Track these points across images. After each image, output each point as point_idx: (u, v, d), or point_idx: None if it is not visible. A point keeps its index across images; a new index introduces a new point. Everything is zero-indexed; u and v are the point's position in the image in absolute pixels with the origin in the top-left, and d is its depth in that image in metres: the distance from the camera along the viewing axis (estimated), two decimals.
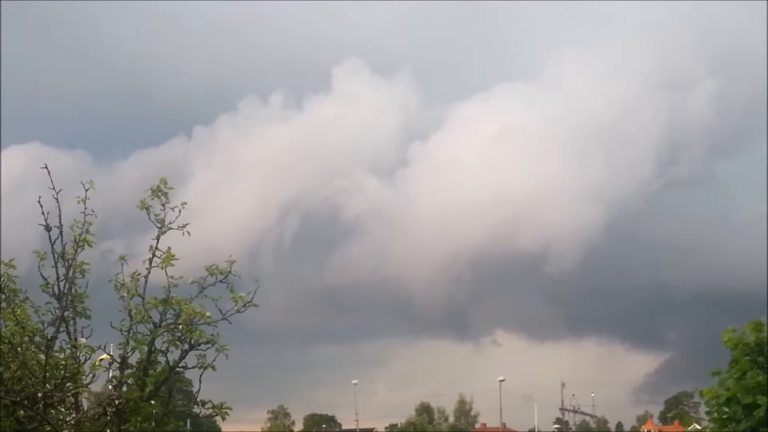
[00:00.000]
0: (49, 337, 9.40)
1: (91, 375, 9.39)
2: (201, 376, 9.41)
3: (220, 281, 9.58)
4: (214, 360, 9.39)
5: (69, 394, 9.32)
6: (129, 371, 9.41)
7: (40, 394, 9.21)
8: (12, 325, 9.21)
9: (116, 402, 9.33)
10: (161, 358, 9.48)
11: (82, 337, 9.58)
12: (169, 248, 9.66)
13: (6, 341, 9.17)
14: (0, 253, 9.80)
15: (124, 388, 9.41)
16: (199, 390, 9.54)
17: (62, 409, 9.45)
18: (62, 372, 9.18)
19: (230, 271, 9.61)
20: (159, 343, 9.44)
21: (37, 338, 9.38)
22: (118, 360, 9.44)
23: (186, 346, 9.39)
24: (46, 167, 9.68)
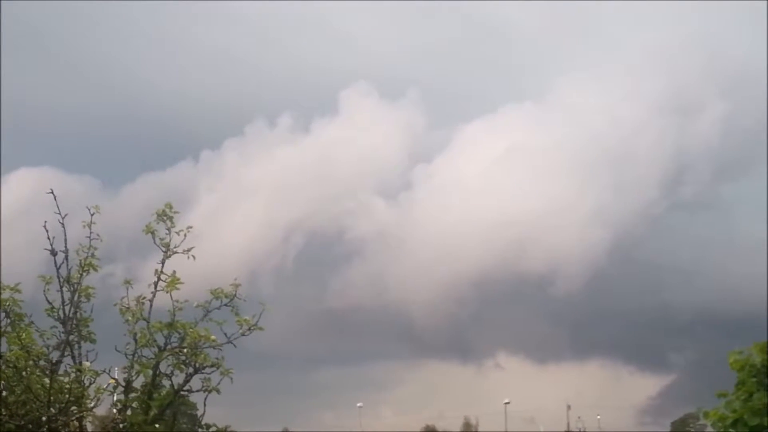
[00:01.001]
0: (53, 361, 9.39)
1: (95, 399, 9.37)
2: (206, 399, 9.41)
3: (225, 305, 9.59)
4: (219, 383, 9.39)
5: (73, 418, 9.30)
6: (133, 395, 9.41)
7: (44, 418, 9.19)
8: (17, 349, 9.19)
9: (120, 426, 9.32)
10: (166, 382, 9.49)
11: (87, 360, 9.57)
12: (174, 272, 9.68)
13: (11, 365, 9.16)
14: (0, 276, 9.80)
15: (129, 412, 9.40)
16: (203, 413, 9.54)
17: None
18: (67, 396, 9.16)
19: (235, 295, 9.62)
20: (164, 367, 9.46)
21: (41, 362, 9.36)
22: (123, 383, 9.44)
23: (191, 370, 9.39)
24: (52, 192, 9.72)
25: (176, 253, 9.83)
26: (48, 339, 9.53)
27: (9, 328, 9.51)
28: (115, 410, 9.54)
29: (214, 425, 9.52)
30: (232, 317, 9.67)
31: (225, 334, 9.54)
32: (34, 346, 9.35)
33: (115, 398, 9.52)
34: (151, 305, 9.65)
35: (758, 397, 13.42)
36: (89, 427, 9.61)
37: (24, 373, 9.21)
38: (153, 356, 9.43)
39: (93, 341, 9.69)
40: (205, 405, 9.45)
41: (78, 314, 9.65)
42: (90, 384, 9.36)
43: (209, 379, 9.37)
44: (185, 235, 9.84)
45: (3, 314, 9.63)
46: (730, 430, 13.60)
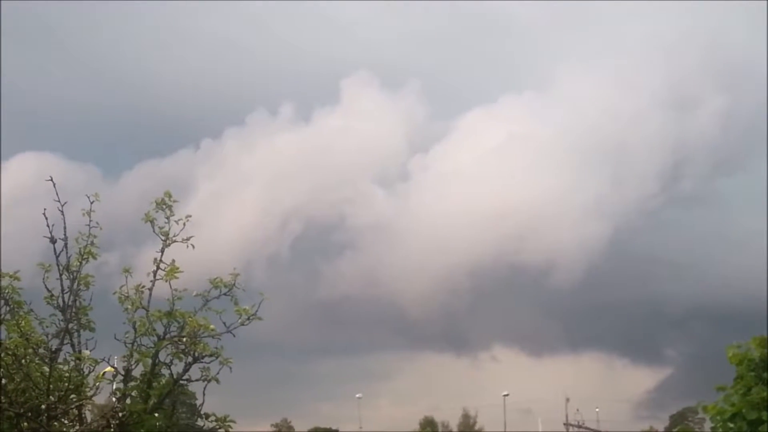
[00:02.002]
0: (53, 349, 9.40)
1: (95, 387, 9.38)
2: (205, 388, 9.40)
3: (225, 294, 9.59)
4: (218, 373, 9.39)
5: (73, 406, 9.31)
6: (133, 384, 9.41)
7: (43, 406, 9.20)
8: (16, 337, 9.20)
9: (120, 414, 9.32)
10: (165, 371, 9.48)
11: (87, 349, 9.57)
12: (173, 261, 9.67)
13: (10, 353, 9.16)
14: (0, 264, 9.80)
15: (128, 401, 9.40)
16: (202, 403, 9.54)
17: (66, 422, 9.43)
18: (66, 384, 9.17)
19: (234, 284, 9.62)
20: (163, 356, 9.45)
21: (41, 350, 9.37)
22: (122, 372, 9.44)
23: (190, 359, 9.39)
24: (51, 179, 9.71)
25: (175, 242, 9.82)
26: (47, 327, 9.54)
27: (8, 316, 9.51)
28: (114, 399, 9.54)
29: (213, 414, 9.52)
30: (230, 306, 9.66)
31: (224, 323, 9.53)
32: (33, 334, 9.36)
33: (114, 387, 9.53)
34: (150, 294, 9.64)
35: (757, 391, 13.44)
36: (88, 415, 9.61)
37: (23, 360, 9.21)
38: (152, 345, 9.42)
39: (92, 330, 9.70)
40: (204, 394, 9.45)
41: (77, 302, 9.66)
42: (89, 372, 9.37)
43: (208, 369, 9.37)
44: (184, 224, 9.83)
45: (2, 302, 9.63)
46: (729, 423, 13.62)
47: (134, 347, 9.45)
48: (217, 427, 9.55)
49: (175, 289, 9.51)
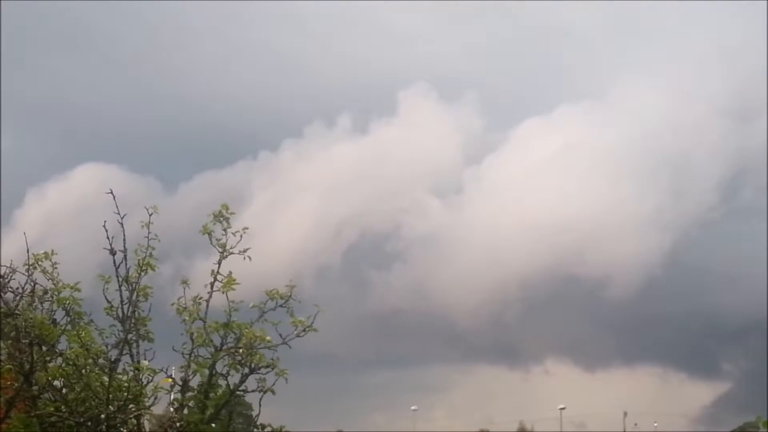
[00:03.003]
0: (112, 360, 9.52)
1: (153, 397, 9.49)
2: (261, 399, 9.47)
3: (281, 306, 9.65)
4: (274, 384, 9.45)
5: (131, 416, 9.42)
6: (190, 394, 9.50)
7: (103, 416, 9.32)
8: (77, 347, 9.34)
9: (177, 424, 9.41)
10: (222, 382, 9.57)
11: (145, 359, 9.69)
12: (230, 273, 9.76)
13: (71, 363, 9.31)
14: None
15: (186, 411, 9.50)
16: (258, 413, 9.60)
17: (124, 431, 9.55)
18: (125, 394, 9.28)
19: (290, 296, 9.68)
20: (220, 367, 9.55)
21: (100, 360, 9.50)
22: (180, 383, 9.54)
23: (246, 370, 9.47)
24: (111, 192, 9.86)
25: (232, 254, 9.92)
26: (107, 337, 9.67)
27: (69, 327, 9.66)
28: (172, 409, 9.65)
29: (269, 425, 9.58)
30: (286, 317, 9.73)
31: (280, 335, 9.60)
32: (93, 345, 9.49)
33: (171, 397, 9.63)
34: (207, 305, 9.74)
35: None
36: (147, 425, 9.73)
37: (83, 370, 9.35)
38: (209, 356, 9.51)
39: (151, 340, 9.81)
40: (260, 405, 9.52)
41: (136, 313, 9.79)
42: (148, 383, 9.48)
43: (264, 380, 9.44)
44: (241, 236, 9.92)
45: (63, 312, 9.79)
46: None
47: (192, 358, 9.55)
48: None
49: (232, 301, 9.60)
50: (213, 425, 9.49)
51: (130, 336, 9.68)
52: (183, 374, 9.55)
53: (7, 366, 9.38)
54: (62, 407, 9.25)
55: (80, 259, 12.99)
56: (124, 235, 9.84)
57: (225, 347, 9.50)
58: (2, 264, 9.74)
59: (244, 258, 9.84)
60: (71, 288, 9.74)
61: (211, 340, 9.53)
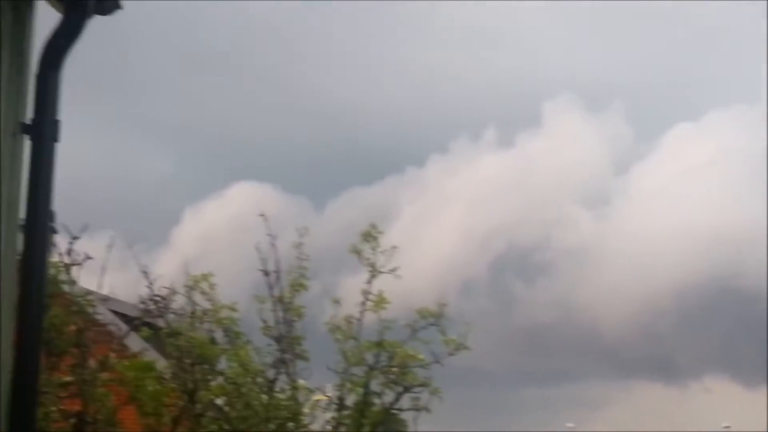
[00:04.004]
0: (270, 379, 9.73)
1: (311, 416, 9.64)
2: (416, 418, 9.49)
3: (432, 324, 9.66)
4: (428, 402, 9.46)
5: None
6: (346, 412, 9.61)
7: None
8: (236, 367, 9.60)
9: None
10: (376, 400, 9.63)
11: (301, 378, 9.85)
12: (381, 292, 9.84)
13: (231, 382, 9.58)
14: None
15: (342, 429, 9.60)
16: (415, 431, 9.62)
17: None
18: (284, 412, 9.47)
19: (441, 314, 9.68)
20: (374, 385, 9.61)
21: (259, 379, 9.72)
22: (336, 401, 9.66)
23: (400, 389, 9.51)
24: (263, 215, 10.12)
25: (382, 272, 9.99)
26: (264, 357, 9.89)
27: (228, 346, 9.93)
28: (329, 427, 9.78)
29: None
30: (437, 334, 9.74)
31: (432, 353, 9.61)
32: (251, 364, 9.73)
33: (328, 416, 9.76)
34: (359, 324, 9.85)
35: None
36: None
37: (243, 389, 9.60)
38: (363, 375, 9.61)
39: (306, 359, 9.96)
40: (416, 424, 9.54)
41: (291, 333, 9.96)
42: (305, 401, 9.65)
43: (419, 398, 9.46)
44: (390, 255, 9.98)
45: (222, 332, 10.08)
46: None
47: (346, 377, 9.66)
48: None
49: (385, 320, 9.68)
50: None
51: (286, 355, 9.86)
52: (338, 393, 9.67)
53: (172, 385, 9.74)
54: (225, 425, 9.51)
55: (235, 278, 13.38)
56: (276, 256, 10.08)
57: (378, 366, 9.57)
58: (164, 286, 10.12)
59: (394, 277, 9.89)
60: (229, 308, 10.01)
61: (365, 359, 9.62)
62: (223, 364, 9.91)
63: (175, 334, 9.74)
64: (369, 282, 10.00)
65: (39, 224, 4.88)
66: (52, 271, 9.13)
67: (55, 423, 8.79)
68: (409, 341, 9.67)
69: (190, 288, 10.00)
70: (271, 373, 9.73)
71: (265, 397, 9.55)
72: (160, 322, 10.10)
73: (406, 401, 9.54)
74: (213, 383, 9.72)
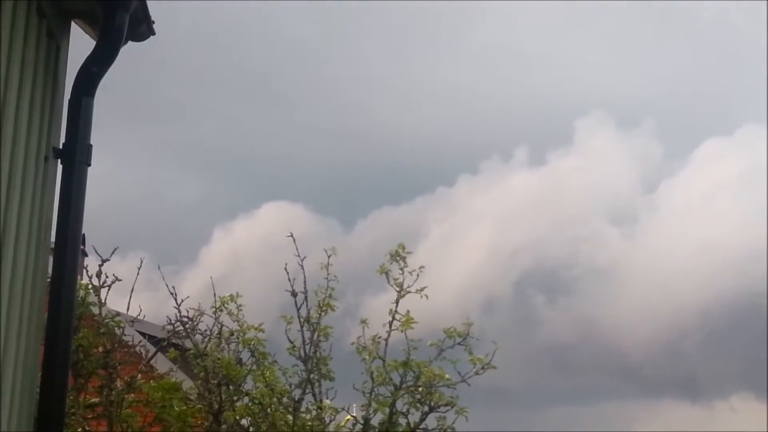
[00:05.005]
0: (296, 399, 9.75)
1: None
2: None
3: (459, 344, 9.65)
4: (454, 422, 9.43)
5: None
6: None
7: None
8: (262, 387, 9.64)
9: None
10: (402, 420, 9.62)
11: (327, 398, 9.87)
12: (408, 312, 9.85)
13: (256, 402, 9.61)
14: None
15: None
16: None
17: None
18: None
19: (468, 334, 9.66)
20: (399, 405, 9.60)
21: (285, 399, 9.75)
22: (362, 421, 9.66)
23: (426, 408, 9.49)
24: (291, 235, 10.17)
25: (409, 292, 10.00)
26: (290, 377, 9.91)
27: (254, 366, 9.97)
28: None
29: None
30: (463, 354, 9.72)
31: (459, 372, 9.59)
32: (277, 384, 9.76)
33: None
34: (386, 344, 9.85)
35: None
36: None
37: (269, 410, 9.63)
38: (389, 394, 9.60)
39: (332, 379, 9.97)
40: None
41: (317, 353, 9.99)
42: (330, 421, 9.66)
43: (445, 418, 9.44)
44: (418, 275, 9.99)
45: (248, 353, 10.12)
46: None
47: (372, 396, 9.66)
48: None
49: (411, 340, 9.68)
50: None
51: (312, 375, 9.89)
52: (364, 413, 9.67)
53: (198, 406, 9.78)
54: None
55: (263, 297, 13.42)
56: (304, 276, 10.12)
57: (404, 386, 9.57)
58: (191, 307, 10.19)
59: (421, 297, 9.90)
60: (255, 329, 10.05)
61: (391, 379, 9.62)
62: (249, 384, 9.95)
63: (201, 354, 9.80)
64: (396, 302, 10.01)
65: (69, 247, 4.94)
66: (81, 293, 9.24)
67: None
68: (435, 360, 9.66)
69: (218, 309, 10.07)
70: (296, 393, 9.76)
71: (290, 417, 9.57)
72: (187, 343, 10.17)
73: (432, 421, 9.50)
74: (239, 404, 9.76)
